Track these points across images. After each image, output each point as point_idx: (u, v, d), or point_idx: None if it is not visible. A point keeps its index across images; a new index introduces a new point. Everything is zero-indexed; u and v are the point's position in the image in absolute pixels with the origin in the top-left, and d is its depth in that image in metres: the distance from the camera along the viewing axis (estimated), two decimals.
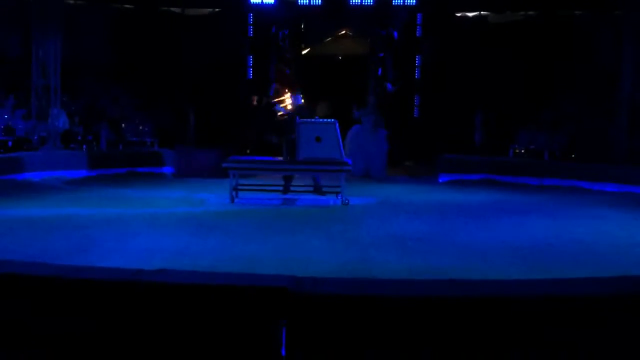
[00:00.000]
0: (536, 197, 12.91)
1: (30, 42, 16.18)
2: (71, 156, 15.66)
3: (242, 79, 19.21)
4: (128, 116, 18.29)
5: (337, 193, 11.54)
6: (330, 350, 3.42)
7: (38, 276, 3.74)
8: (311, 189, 12.12)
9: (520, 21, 19.30)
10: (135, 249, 7.60)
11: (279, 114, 13.54)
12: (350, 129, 16.02)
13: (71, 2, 18.48)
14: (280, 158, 12.48)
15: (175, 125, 18.30)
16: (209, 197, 12.02)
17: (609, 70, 16.26)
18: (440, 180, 15.68)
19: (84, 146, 16.56)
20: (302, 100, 12.52)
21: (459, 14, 19.62)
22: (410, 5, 18.38)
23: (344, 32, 19.53)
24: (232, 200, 11.42)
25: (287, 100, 12.14)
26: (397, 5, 18.31)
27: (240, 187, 11.74)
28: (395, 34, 18.46)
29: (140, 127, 18.12)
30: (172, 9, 20.07)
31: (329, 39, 19.58)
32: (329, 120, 11.69)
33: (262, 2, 18.68)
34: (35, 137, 15.95)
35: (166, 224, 9.39)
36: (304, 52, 19.53)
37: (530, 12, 19.24)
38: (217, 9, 19.90)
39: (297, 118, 11.86)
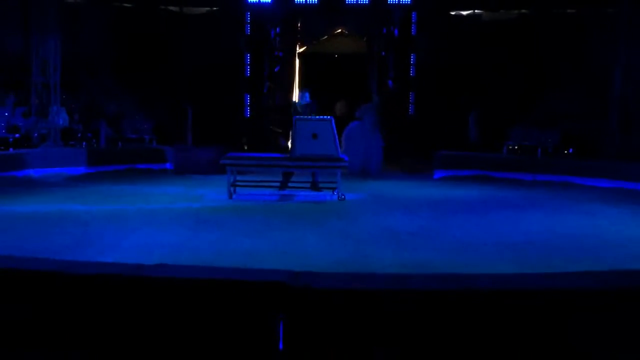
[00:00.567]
0: (529, 193, 12.94)
1: (30, 40, 16.15)
2: (71, 153, 15.65)
3: (240, 76, 19.19)
4: (127, 114, 18.26)
5: (333, 189, 11.56)
6: (328, 344, 3.43)
7: (39, 271, 3.75)
8: (307, 185, 12.13)
9: (514, 19, 19.32)
10: (135, 244, 7.60)
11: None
12: (347, 126, 16.03)
13: (71, 0, 18.43)
14: (278, 154, 12.48)
15: (173, 122, 18.29)
16: (207, 193, 12.03)
17: (601, 67, 16.29)
18: (435, 177, 15.70)
19: (84, 143, 16.55)
20: (310, 99, 12.49)
21: (453, 13, 19.63)
22: (405, 3, 18.37)
23: (339, 30, 19.52)
24: (230, 196, 11.42)
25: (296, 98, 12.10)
26: (392, 3, 18.30)
27: (237, 183, 11.74)
28: (396, 32, 18.48)
29: (139, 125, 18.10)
30: (171, 7, 20.04)
31: (325, 37, 19.56)
32: (325, 117, 11.70)
33: (259, 0, 18.65)
34: (35, 135, 15.92)
35: (165, 219, 9.39)
36: (300, 50, 19.51)
37: (524, 11, 19.25)
38: (215, 8, 19.87)
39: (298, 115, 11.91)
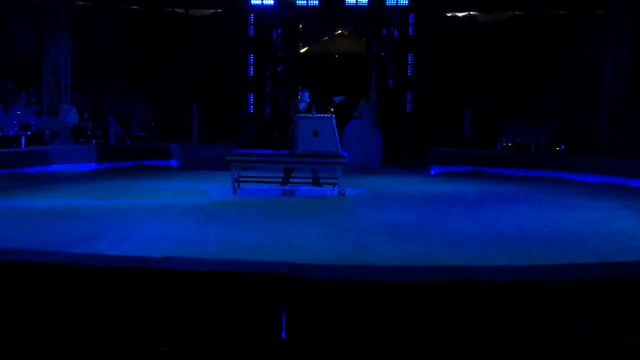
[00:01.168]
0: (522, 188, 12.93)
1: (42, 41, 16.14)
2: (81, 150, 15.64)
3: (244, 76, 19.18)
4: (135, 112, 18.26)
5: (334, 184, 11.56)
6: (329, 333, 3.43)
7: (52, 263, 3.75)
8: (309, 180, 12.13)
9: (508, 21, 19.30)
10: (143, 238, 7.61)
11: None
12: (347, 124, 16.03)
13: (81, 3, 18.42)
14: (281, 151, 12.47)
15: (179, 120, 18.29)
16: (213, 189, 12.02)
17: (592, 66, 16.28)
18: (432, 172, 15.69)
19: (93, 140, 16.55)
20: (309, 98, 12.46)
21: (449, 14, 19.61)
22: (402, 5, 18.35)
23: (340, 31, 19.49)
24: (235, 192, 11.43)
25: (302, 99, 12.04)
26: (391, 5, 18.28)
27: (241, 179, 11.74)
28: (396, 33, 18.45)
29: (147, 122, 18.10)
30: (177, 9, 20.03)
31: (326, 38, 19.54)
32: (325, 115, 11.69)
33: (262, 3, 18.63)
34: (47, 132, 15.93)
35: (172, 213, 9.39)
36: (301, 50, 19.50)
37: (518, 12, 19.23)
38: (219, 10, 19.86)
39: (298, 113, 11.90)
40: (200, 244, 7.33)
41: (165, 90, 18.47)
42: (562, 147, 16.52)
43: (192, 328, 3.48)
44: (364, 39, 19.15)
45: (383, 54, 18.72)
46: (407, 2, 18.25)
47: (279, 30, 18.83)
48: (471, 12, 19.61)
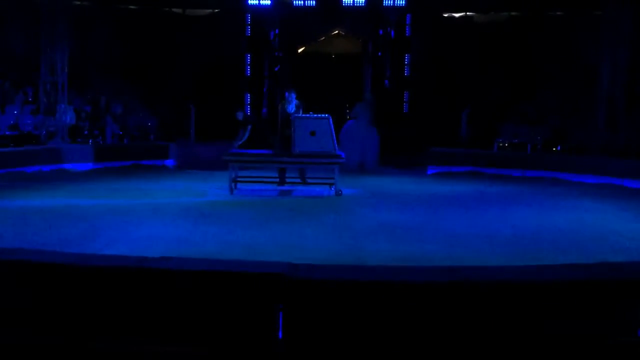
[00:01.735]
0: (519, 188, 12.95)
1: (39, 41, 16.12)
2: (78, 150, 15.62)
3: (241, 76, 19.17)
4: (132, 111, 18.24)
5: (331, 184, 11.56)
6: (325, 333, 3.44)
7: (48, 263, 3.75)
8: (311, 180, 12.10)
9: (505, 21, 19.32)
10: (140, 238, 7.61)
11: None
12: (344, 124, 16.04)
13: (78, 2, 18.39)
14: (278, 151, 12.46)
15: (177, 120, 18.27)
16: (210, 188, 12.02)
17: (588, 67, 16.30)
18: (429, 172, 15.71)
19: (90, 140, 16.52)
20: (296, 99, 12.44)
21: (446, 15, 19.62)
22: (399, 6, 18.36)
23: (337, 31, 19.49)
24: (232, 192, 11.43)
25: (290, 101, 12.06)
26: (388, 6, 18.29)
27: (239, 179, 11.74)
28: (393, 33, 18.46)
29: (144, 122, 18.07)
30: (174, 9, 20.02)
31: (323, 38, 19.53)
32: (322, 115, 11.69)
33: (259, 3, 18.63)
34: (44, 132, 15.90)
35: (169, 213, 9.39)
36: (299, 51, 19.49)
37: (514, 13, 19.25)
38: (216, 10, 19.85)
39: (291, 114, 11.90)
40: (197, 244, 7.33)
41: (162, 90, 18.45)
42: (559, 147, 16.53)
43: (189, 328, 3.49)
44: (360, 40, 19.13)
45: (380, 54, 18.73)
46: (404, 2, 18.27)
47: (276, 31, 18.84)
48: (468, 13, 19.62)
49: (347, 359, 3.41)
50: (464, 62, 18.07)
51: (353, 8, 18.40)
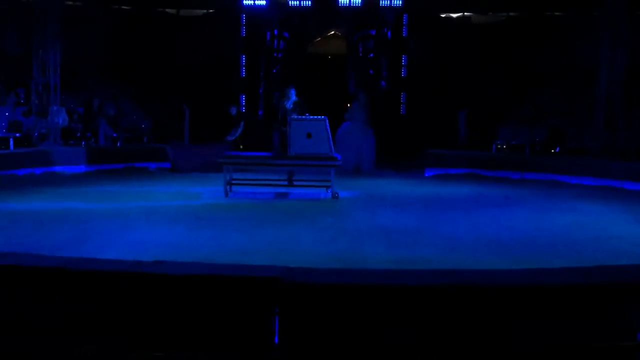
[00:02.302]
0: (517, 191, 12.97)
1: (31, 41, 16.09)
2: (70, 152, 15.59)
3: (236, 77, 19.16)
4: (126, 113, 18.23)
5: (327, 187, 11.56)
6: (322, 337, 3.45)
7: (40, 267, 3.75)
8: (303, 183, 12.11)
9: (503, 21, 19.37)
10: (133, 241, 7.60)
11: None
12: (340, 126, 16.05)
13: (70, 2, 18.38)
14: (274, 154, 12.48)
15: (171, 121, 18.26)
16: (204, 191, 12.02)
17: (587, 68, 16.34)
18: (426, 175, 15.72)
19: (83, 142, 16.49)
20: (296, 97, 12.47)
21: (443, 15, 19.65)
22: (396, 6, 18.39)
23: (333, 32, 19.52)
24: (227, 194, 11.42)
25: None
26: (384, 6, 18.32)
27: (234, 182, 11.74)
28: (389, 33, 18.48)
29: (138, 124, 18.06)
30: (168, 10, 20.01)
31: (319, 39, 19.55)
32: (319, 117, 11.70)
33: (254, 3, 18.64)
34: (36, 134, 15.87)
35: (163, 217, 9.38)
36: (294, 52, 19.48)
37: (512, 13, 19.30)
38: (210, 10, 19.85)
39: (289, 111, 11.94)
40: (192, 248, 7.33)
41: (156, 92, 18.44)
42: (558, 149, 16.56)
43: (184, 333, 3.49)
44: (347, 41, 19.10)
45: (372, 54, 18.75)
46: (400, 2, 18.30)
47: (272, 31, 18.83)
48: (465, 13, 19.67)
49: None
50: (461, 63, 18.11)
51: (349, 8, 18.42)
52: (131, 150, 16.70)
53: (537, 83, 17.84)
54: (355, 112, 16.47)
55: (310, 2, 18.44)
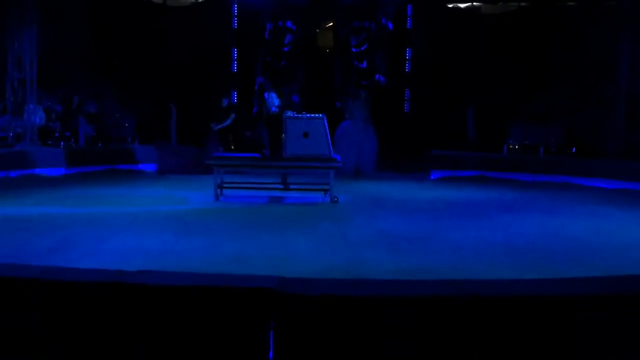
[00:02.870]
0: (530, 194, 12.98)
1: (5, 34, 16.06)
2: (48, 153, 15.58)
3: (227, 72, 19.15)
4: (107, 111, 18.21)
5: (325, 190, 11.55)
6: (320, 352, 3.43)
7: (16, 278, 3.73)
8: (301, 187, 12.11)
9: (514, 12, 19.37)
10: (117, 249, 7.59)
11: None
12: (339, 125, 16.04)
13: None
14: (268, 154, 12.45)
15: (156, 120, 18.24)
16: (193, 195, 12.01)
17: (605, 61, 16.34)
18: (432, 177, 15.74)
19: (62, 143, 16.48)
20: (278, 99, 12.46)
21: (450, 5, 19.66)
22: None
23: (331, 24, 19.51)
24: (217, 198, 11.42)
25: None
26: None
27: (225, 185, 11.73)
28: (390, 25, 18.47)
29: (121, 123, 18.04)
30: (153, 0, 19.98)
31: (317, 31, 19.54)
32: (316, 115, 11.70)
33: None
34: (11, 134, 15.85)
35: (148, 223, 9.37)
36: (290, 44, 19.48)
37: (524, 3, 19.31)
38: (200, 0, 19.83)
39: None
40: (180, 257, 7.32)
41: (140, 88, 18.40)
42: (574, 149, 16.57)
43: (171, 348, 3.47)
44: (346, 31, 19.08)
45: (382, 47, 18.72)
46: None
47: (265, 23, 18.82)
48: (474, 3, 19.65)
49: None
50: (470, 56, 18.09)
51: None
52: (113, 151, 16.69)
53: (552, 78, 17.83)
54: (355, 110, 16.46)
55: None
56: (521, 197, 12.58)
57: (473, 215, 10.53)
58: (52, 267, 4.22)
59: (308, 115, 11.87)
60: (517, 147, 17.14)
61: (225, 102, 14.51)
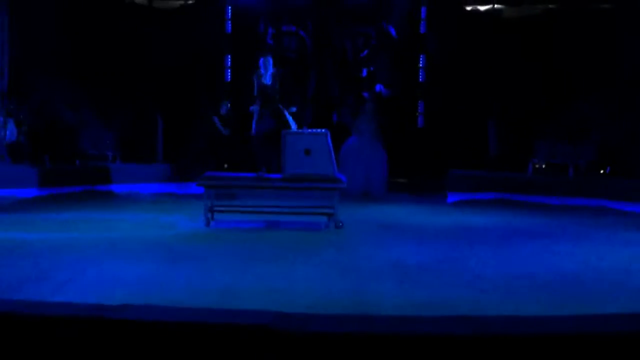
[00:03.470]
0: (558, 220, 12.97)
1: None
2: (19, 172, 15.63)
3: (219, 81, 19.25)
4: (86, 124, 18.26)
5: (329, 215, 11.55)
6: None
7: None
8: (300, 210, 12.10)
9: (540, 15, 19.45)
10: (95, 280, 7.59)
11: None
12: (345, 141, 16.07)
13: None
14: (265, 174, 12.48)
15: (141, 134, 18.30)
16: (181, 220, 12.02)
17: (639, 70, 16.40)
18: (449, 200, 15.75)
19: (34, 160, 16.52)
20: (273, 67, 12.51)
21: (469, 8, 19.76)
22: None
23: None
24: (208, 223, 11.42)
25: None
26: None
27: (216, 208, 11.74)
28: (392, 30, 18.54)
29: (101, 137, 18.10)
30: (137, 1, 20.11)
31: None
32: (319, 130, 11.73)
33: None
34: None
35: (130, 251, 9.37)
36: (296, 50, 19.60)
37: (551, 6, 19.41)
38: (189, 1, 19.98)
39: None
40: (165, 289, 7.32)
41: (123, 98, 18.49)
42: (608, 169, 16.58)
43: None
44: (351, 38, 19.21)
45: (385, 54, 18.80)
46: None
47: (263, 26, 18.93)
48: (496, 6, 19.76)
49: None
50: (490, 64, 18.17)
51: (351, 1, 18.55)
52: (92, 170, 16.74)
53: (582, 89, 17.88)
54: (361, 124, 16.49)
55: None
56: (548, 223, 12.57)
57: (494, 243, 10.52)
58: (23, 301, 4.25)
59: (310, 130, 11.91)
60: (543, 166, 17.16)
61: (224, 109, 14.54)
